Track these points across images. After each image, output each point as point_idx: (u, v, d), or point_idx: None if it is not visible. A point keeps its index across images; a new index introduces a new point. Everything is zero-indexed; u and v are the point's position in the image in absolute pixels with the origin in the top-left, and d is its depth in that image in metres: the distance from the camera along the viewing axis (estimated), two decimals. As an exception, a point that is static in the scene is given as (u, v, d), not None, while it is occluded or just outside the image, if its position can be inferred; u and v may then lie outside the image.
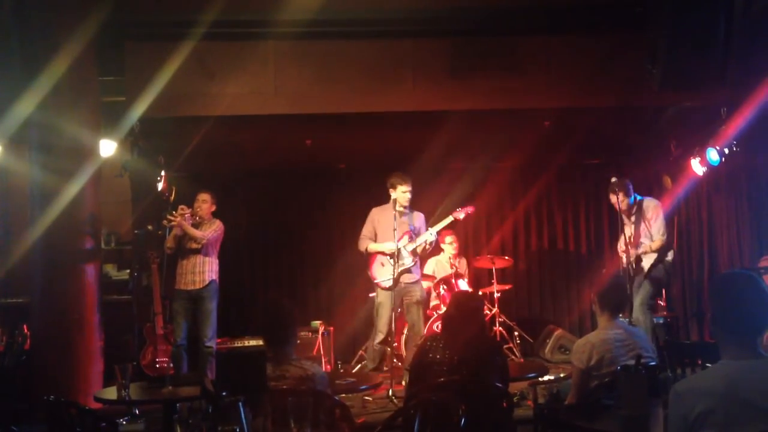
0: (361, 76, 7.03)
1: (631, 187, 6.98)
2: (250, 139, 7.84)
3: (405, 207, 6.78)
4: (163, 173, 7.14)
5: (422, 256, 7.45)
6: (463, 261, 8.35)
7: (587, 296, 7.73)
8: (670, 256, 6.91)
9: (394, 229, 6.53)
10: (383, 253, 6.78)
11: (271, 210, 9.02)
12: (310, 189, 9.02)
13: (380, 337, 6.75)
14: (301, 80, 6.97)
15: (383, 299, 6.78)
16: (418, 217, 6.95)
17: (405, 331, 7.32)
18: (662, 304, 8.63)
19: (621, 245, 6.87)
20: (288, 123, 7.39)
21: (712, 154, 7.31)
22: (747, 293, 2.51)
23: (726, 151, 7.17)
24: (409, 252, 6.76)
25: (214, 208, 7.07)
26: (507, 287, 8.37)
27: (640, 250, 6.81)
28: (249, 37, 6.85)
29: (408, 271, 6.76)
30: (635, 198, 6.93)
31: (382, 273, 6.78)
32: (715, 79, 5.97)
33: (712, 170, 7.69)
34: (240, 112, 6.94)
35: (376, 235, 6.91)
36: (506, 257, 8.31)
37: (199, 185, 7.33)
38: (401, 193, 6.74)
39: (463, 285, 7.97)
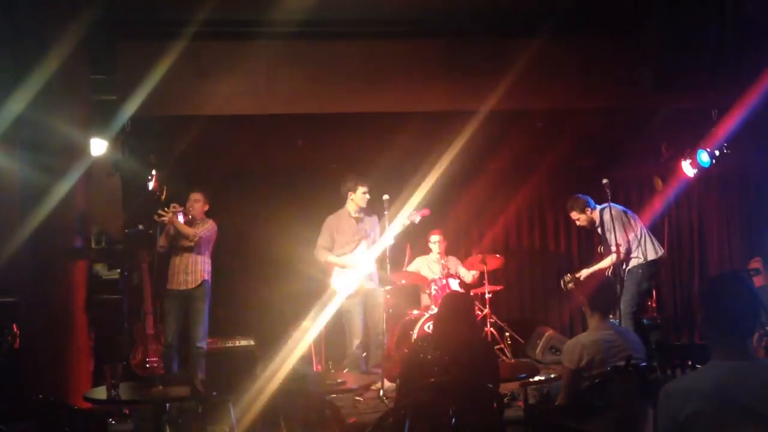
0: (353, 77, 7.02)
1: (587, 202, 7.07)
2: (242, 139, 7.82)
3: (361, 211, 6.81)
4: (154, 172, 7.11)
5: (409, 255, 7.53)
6: (452, 259, 8.33)
7: (578, 297, 7.75)
8: (641, 258, 6.87)
9: (365, 238, 6.55)
10: (344, 267, 6.85)
11: (262, 209, 8.99)
12: (302, 189, 8.99)
13: (356, 342, 6.84)
14: (294, 80, 6.95)
15: (348, 306, 6.87)
16: (372, 221, 6.97)
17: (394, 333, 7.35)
18: (653, 305, 8.66)
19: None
20: (280, 123, 7.38)
21: (703, 156, 7.34)
22: (737, 295, 2.52)
23: (717, 153, 7.20)
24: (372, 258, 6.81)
25: (206, 207, 7.06)
26: (498, 288, 8.37)
27: (593, 268, 7.02)
28: (242, 36, 6.83)
29: (368, 277, 6.84)
30: (597, 209, 7.00)
31: (342, 281, 6.86)
32: (707, 81, 6.01)
33: (703, 172, 7.72)
34: (232, 111, 6.92)
35: (333, 244, 6.95)
36: (497, 255, 8.30)
37: (190, 185, 7.31)
38: (361, 195, 6.81)
39: (455, 285, 7.97)
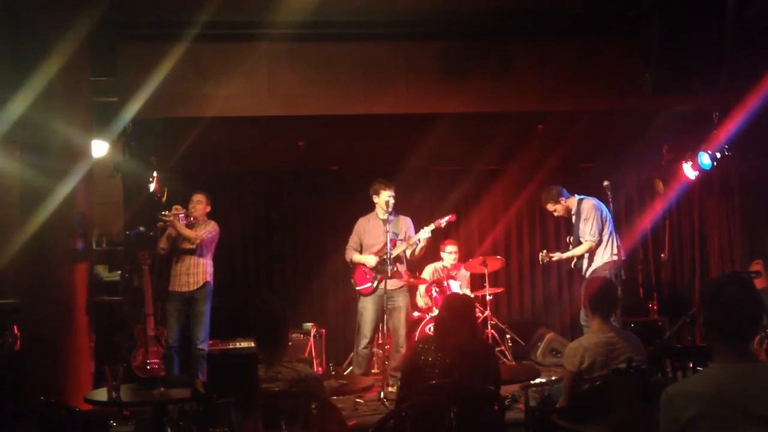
0: (353, 78, 7.02)
1: (560, 191, 7.10)
2: (242, 141, 7.83)
3: (389, 213, 6.82)
4: (155, 174, 7.11)
5: (422, 262, 7.55)
6: (463, 269, 8.30)
7: (579, 300, 7.75)
8: (607, 257, 6.79)
9: (390, 240, 6.61)
10: (364, 265, 6.89)
11: (263, 211, 9.00)
12: (303, 190, 9.00)
13: (364, 342, 6.82)
14: (295, 82, 6.96)
15: (366, 304, 6.88)
16: (404, 222, 6.98)
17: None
18: (654, 307, 8.66)
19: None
20: (281, 124, 7.38)
21: (704, 159, 7.35)
22: (739, 297, 2.52)
23: (718, 155, 7.20)
24: (391, 259, 6.77)
25: (209, 209, 7.07)
26: (499, 290, 8.37)
27: (566, 254, 7.03)
28: (242, 38, 6.84)
29: (391, 278, 6.79)
30: (573, 197, 7.01)
31: (364, 280, 6.92)
32: (707, 83, 6.00)
33: (704, 174, 7.73)
34: (233, 113, 6.92)
35: (362, 245, 7.00)
36: (498, 257, 8.29)
37: (191, 186, 7.32)
38: (385, 199, 6.79)
39: (455, 286, 7.96)
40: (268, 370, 3.60)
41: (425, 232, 6.85)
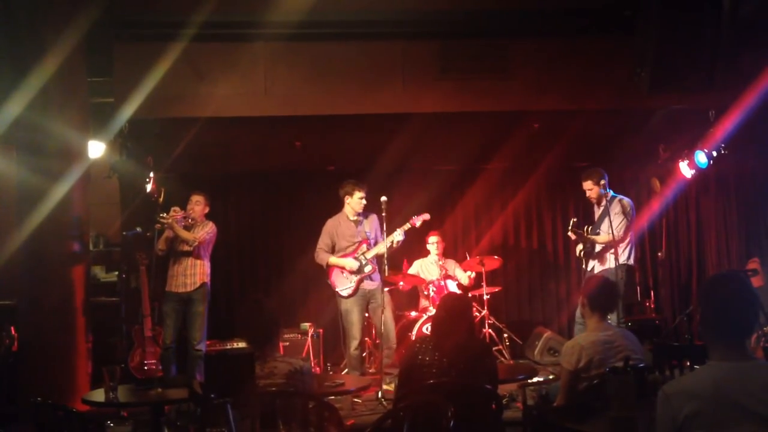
0: (351, 78, 7.03)
1: (604, 176, 7.01)
2: (239, 141, 7.83)
3: (359, 214, 6.83)
4: (151, 174, 7.11)
5: (408, 257, 7.68)
6: (450, 262, 8.33)
7: (576, 298, 7.75)
8: (622, 258, 6.76)
9: (364, 240, 6.67)
10: (344, 268, 6.85)
11: (260, 211, 9.00)
12: (300, 191, 8.99)
13: (354, 343, 6.82)
14: (292, 82, 6.96)
15: (349, 306, 6.86)
16: (372, 221, 6.98)
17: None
18: (651, 306, 8.67)
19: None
20: (278, 124, 7.39)
21: (701, 157, 7.35)
22: (736, 295, 2.52)
23: (714, 153, 7.21)
24: (368, 260, 6.83)
25: (207, 209, 7.06)
26: (497, 289, 8.37)
27: (590, 236, 6.92)
28: (239, 38, 6.84)
29: (368, 278, 6.85)
30: (608, 192, 6.97)
31: (343, 282, 6.88)
32: (703, 82, 6.01)
33: (701, 173, 7.73)
34: (230, 113, 6.93)
35: (333, 247, 6.98)
36: (495, 256, 8.29)
37: (188, 186, 7.31)
38: (357, 200, 6.83)
39: (452, 286, 7.97)
40: (264, 367, 3.63)
41: (398, 234, 6.83)
